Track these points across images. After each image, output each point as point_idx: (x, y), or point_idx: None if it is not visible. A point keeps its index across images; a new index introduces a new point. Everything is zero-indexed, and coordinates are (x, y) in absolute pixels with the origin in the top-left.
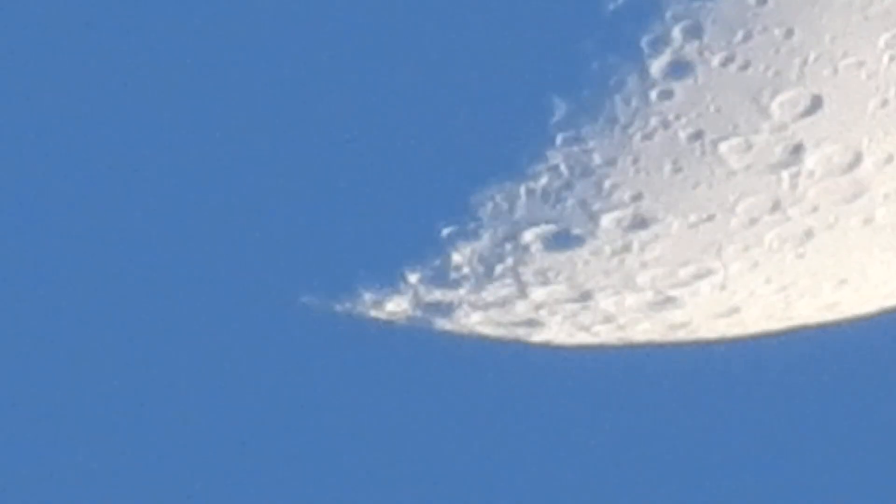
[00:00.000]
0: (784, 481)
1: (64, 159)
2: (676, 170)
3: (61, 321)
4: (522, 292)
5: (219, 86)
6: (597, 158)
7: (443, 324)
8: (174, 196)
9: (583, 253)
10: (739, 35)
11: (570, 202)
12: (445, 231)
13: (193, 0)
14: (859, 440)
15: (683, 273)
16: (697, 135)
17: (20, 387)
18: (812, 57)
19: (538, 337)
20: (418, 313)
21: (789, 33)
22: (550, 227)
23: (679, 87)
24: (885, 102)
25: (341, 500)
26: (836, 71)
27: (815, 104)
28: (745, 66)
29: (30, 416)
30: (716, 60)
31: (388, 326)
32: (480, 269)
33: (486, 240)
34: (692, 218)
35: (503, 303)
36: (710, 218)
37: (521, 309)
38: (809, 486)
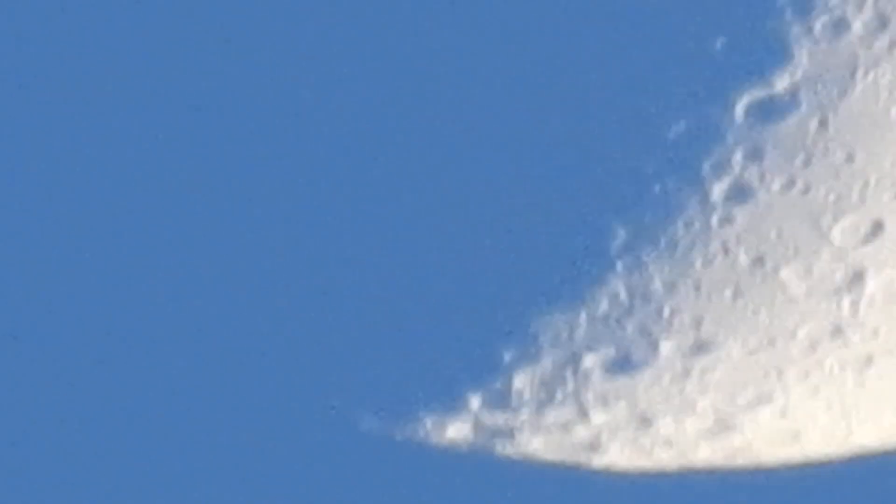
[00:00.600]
0: None
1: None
2: (737, 295)
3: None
4: (583, 416)
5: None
6: (657, 284)
7: (504, 448)
8: (229, 311)
9: (643, 378)
10: (800, 159)
11: (630, 328)
12: (507, 355)
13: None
14: None
15: (743, 398)
16: (758, 260)
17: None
18: (873, 181)
19: (599, 461)
20: (479, 438)
21: (850, 157)
22: (610, 352)
23: (740, 212)
24: None
25: None
26: None
27: (877, 228)
28: (805, 191)
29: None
30: (776, 185)
31: (448, 451)
32: (541, 393)
33: (546, 364)
34: (752, 343)
35: (564, 427)
36: (771, 343)
37: (582, 433)
38: None
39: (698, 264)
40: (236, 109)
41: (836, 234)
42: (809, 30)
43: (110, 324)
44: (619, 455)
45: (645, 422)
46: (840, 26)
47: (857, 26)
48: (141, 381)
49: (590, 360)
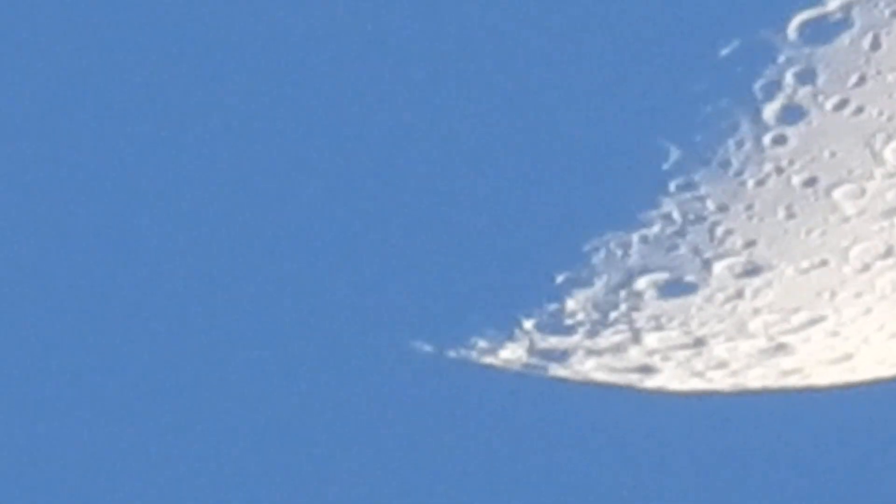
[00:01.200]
0: None
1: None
2: (789, 216)
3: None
4: (636, 338)
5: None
6: (710, 205)
7: (557, 370)
8: (289, 241)
9: (696, 299)
10: (853, 79)
11: (683, 249)
12: (560, 278)
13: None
14: None
15: (796, 319)
16: (811, 181)
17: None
18: None
19: (651, 383)
20: (533, 360)
21: None
22: (664, 274)
23: (792, 133)
24: None
25: None
26: None
27: None
28: (858, 111)
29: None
30: (829, 105)
31: (502, 374)
32: (594, 315)
33: (599, 287)
34: (805, 264)
35: (617, 349)
36: (823, 264)
37: (635, 355)
38: None
39: (751, 185)
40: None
41: (889, 154)
42: None
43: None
44: (671, 377)
45: (698, 343)
46: None
47: None
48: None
49: (643, 282)
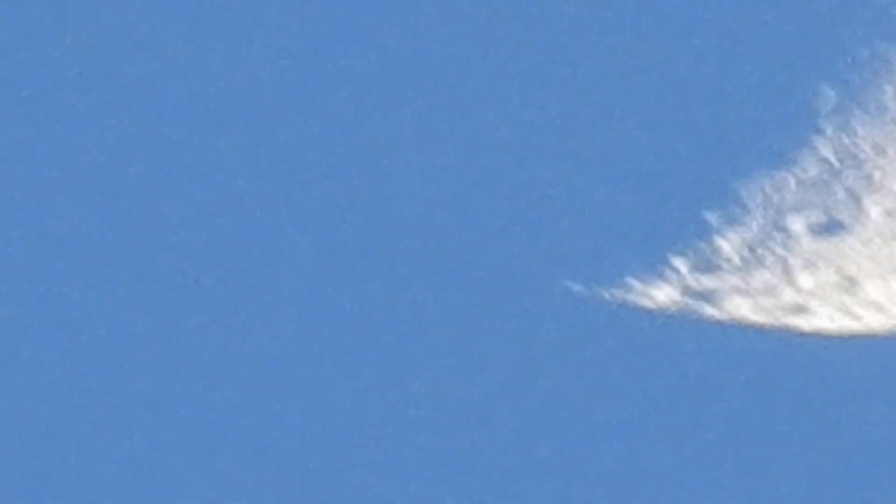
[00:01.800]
0: None
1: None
2: None
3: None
4: (790, 279)
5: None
6: (866, 147)
7: (710, 311)
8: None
9: (850, 240)
10: None
11: (838, 191)
12: (713, 219)
13: None
14: None
15: None
16: None
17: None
18: None
19: (806, 325)
20: (686, 301)
21: None
22: (818, 216)
23: None
24: None
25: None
26: None
27: None
28: None
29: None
30: None
31: (655, 314)
32: (748, 256)
33: (753, 227)
34: None
35: (770, 290)
36: None
37: (788, 296)
38: None
39: None
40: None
41: None
42: None
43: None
44: (826, 319)
45: (853, 285)
46: None
47: None
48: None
49: (797, 224)
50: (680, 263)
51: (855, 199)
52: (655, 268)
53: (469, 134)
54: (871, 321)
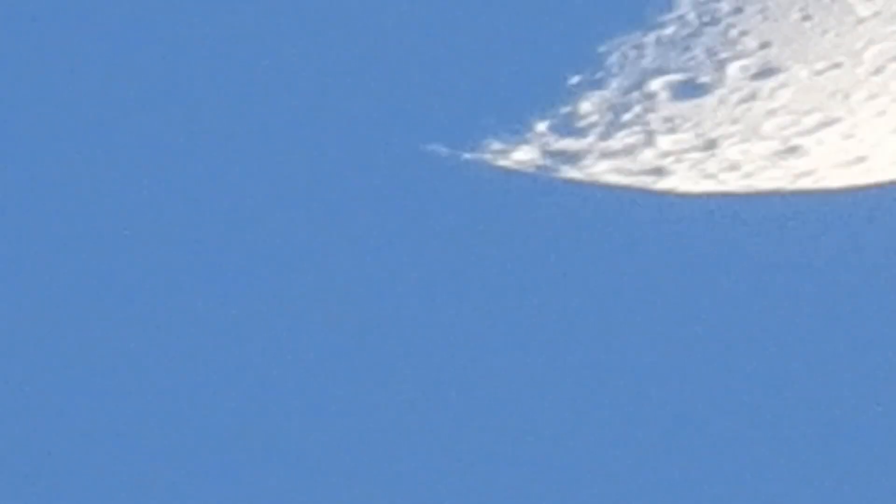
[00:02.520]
0: None
1: None
2: (805, 17)
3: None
4: (649, 140)
5: None
6: (725, 6)
7: (570, 172)
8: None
9: (710, 101)
10: None
11: (697, 50)
12: (574, 80)
13: None
14: None
15: (809, 121)
16: None
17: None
18: None
19: (664, 185)
20: (546, 162)
21: None
22: (678, 76)
23: None
24: None
25: (475, 350)
26: None
27: None
28: None
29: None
30: None
31: (515, 174)
32: (608, 117)
33: (613, 88)
34: (819, 66)
35: (630, 151)
36: (837, 66)
37: (648, 157)
38: None
39: None
40: None
41: None
42: None
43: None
44: (684, 179)
45: (711, 145)
46: None
47: None
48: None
49: (657, 84)
50: (541, 125)
51: (714, 59)
52: (517, 129)
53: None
54: (730, 182)
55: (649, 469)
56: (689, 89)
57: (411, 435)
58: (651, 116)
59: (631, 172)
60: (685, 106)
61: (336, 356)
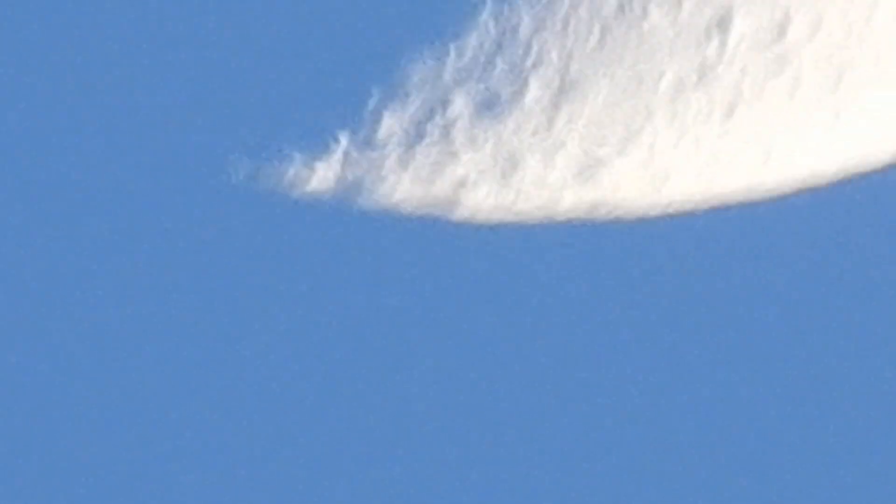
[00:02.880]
0: (703, 356)
1: None
2: (605, 35)
3: None
4: (451, 156)
5: None
6: (527, 22)
7: (372, 189)
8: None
9: (511, 118)
10: None
11: (498, 67)
12: (375, 96)
13: None
14: (777, 312)
15: (611, 140)
16: (627, 1)
17: None
18: None
19: (466, 201)
20: (348, 176)
21: None
22: (479, 92)
23: None
24: None
25: (259, 371)
26: None
27: None
28: None
29: None
30: None
31: (317, 192)
32: (410, 132)
33: (415, 103)
34: (620, 84)
35: (432, 167)
36: (638, 84)
37: (450, 172)
38: (721, 361)
39: (567, 3)
40: None
41: None
42: None
43: None
44: (485, 197)
45: (512, 163)
46: None
47: None
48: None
49: (458, 100)
50: (342, 139)
51: (516, 74)
52: (318, 143)
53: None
54: (532, 197)
55: None
56: (490, 106)
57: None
58: (453, 133)
59: (432, 189)
60: (486, 123)
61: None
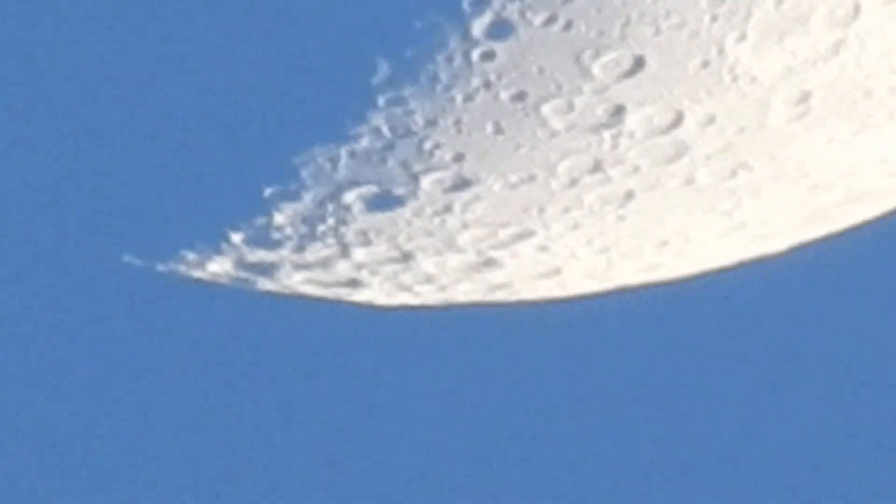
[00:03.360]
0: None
1: None
2: (498, 131)
3: None
4: (344, 252)
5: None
6: (419, 119)
7: (265, 284)
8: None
9: (404, 213)
10: None
11: (391, 163)
12: (268, 191)
13: None
14: (676, 397)
15: (504, 234)
16: (520, 96)
17: None
18: (634, 17)
19: (359, 297)
20: (241, 273)
21: None
22: (372, 188)
23: (501, 48)
24: (706, 63)
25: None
26: (658, 31)
27: (638, 65)
28: (567, 27)
29: None
30: (538, 20)
31: (210, 286)
32: (303, 229)
33: (308, 200)
34: (513, 179)
35: (325, 263)
36: (532, 179)
37: (343, 269)
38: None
39: (459, 100)
40: None
41: (598, 69)
42: None
43: None
44: (379, 291)
45: (406, 257)
46: None
47: None
48: None
49: (351, 196)
50: (235, 236)
51: (408, 171)
52: (211, 240)
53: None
54: (425, 294)
55: None
56: (383, 201)
57: None
58: (345, 228)
59: (326, 284)
60: (380, 218)
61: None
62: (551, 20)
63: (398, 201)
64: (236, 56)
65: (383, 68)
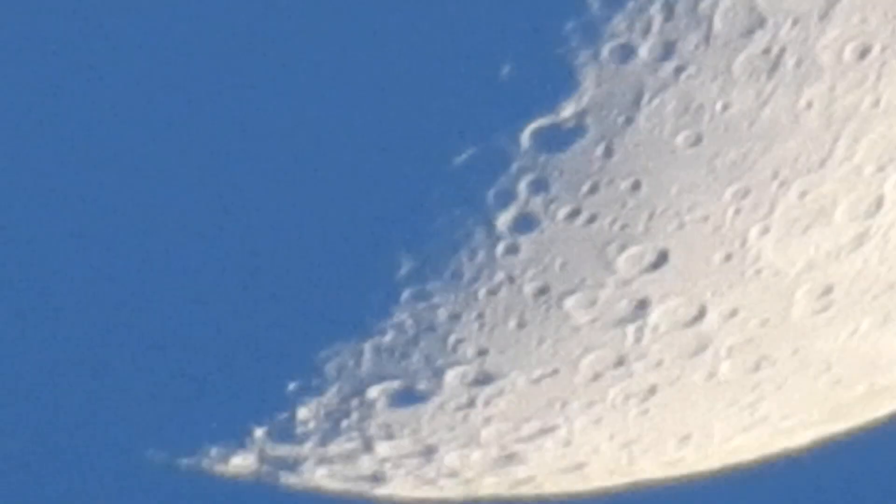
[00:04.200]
0: None
1: None
2: (521, 325)
3: None
4: (367, 447)
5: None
6: (442, 314)
7: (288, 478)
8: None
9: (427, 408)
10: (586, 188)
11: (415, 358)
12: (291, 386)
13: None
14: None
15: (527, 429)
16: (543, 290)
17: None
18: (659, 210)
19: (382, 491)
20: (264, 468)
21: (636, 186)
22: (395, 383)
23: (525, 242)
24: (729, 256)
25: None
26: (682, 224)
27: (661, 258)
28: (591, 220)
29: None
30: (562, 214)
31: (233, 481)
32: (326, 424)
33: (331, 395)
34: (537, 373)
35: (348, 457)
36: (555, 373)
37: (366, 463)
38: None
39: (483, 294)
40: None
41: (621, 263)
42: (595, 56)
43: None
44: (402, 485)
45: (429, 452)
46: (626, 52)
47: (643, 53)
48: None
49: (375, 391)
50: (258, 430)
51: (431, 366)
52: (234, 435)
53: None
54: (448, 487)
55: None
56: (406, 396)
57: None
58: (369, 423)
59: (349, 478)
60: (403, 413)
61: None
62: (575, 213)
63: (421, 396)
64: (257, 250)
65: (407, 263)
